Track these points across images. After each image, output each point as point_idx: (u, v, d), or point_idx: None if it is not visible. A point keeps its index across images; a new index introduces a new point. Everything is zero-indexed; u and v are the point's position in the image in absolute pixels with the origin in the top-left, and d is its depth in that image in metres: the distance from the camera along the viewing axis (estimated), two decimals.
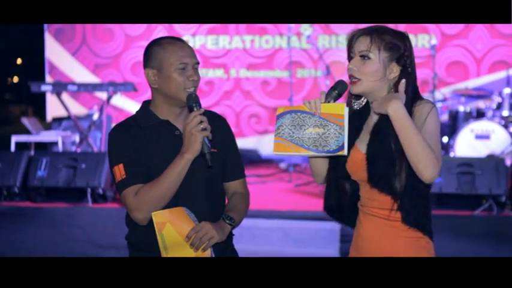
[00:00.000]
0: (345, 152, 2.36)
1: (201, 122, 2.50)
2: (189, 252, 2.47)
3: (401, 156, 2.32)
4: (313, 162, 2.54)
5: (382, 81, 2.40)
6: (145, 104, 2.72)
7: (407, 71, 2.41)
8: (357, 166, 2.43)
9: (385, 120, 2.35)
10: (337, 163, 2.48)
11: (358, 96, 2.48)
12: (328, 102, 2.40)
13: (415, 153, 2.24)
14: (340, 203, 2.52)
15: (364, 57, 2.39)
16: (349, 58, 2.45)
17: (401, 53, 2.40)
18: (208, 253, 2.49)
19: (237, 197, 2.73)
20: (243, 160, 2.83)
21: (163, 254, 2.48)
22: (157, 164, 2.56)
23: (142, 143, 2.61)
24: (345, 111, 2.37)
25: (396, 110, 2.26)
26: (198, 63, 2.64)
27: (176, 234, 2.46)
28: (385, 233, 2.42)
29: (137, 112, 2.71)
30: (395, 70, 2.41)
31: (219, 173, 2.70)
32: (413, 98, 2.38)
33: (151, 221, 2.50)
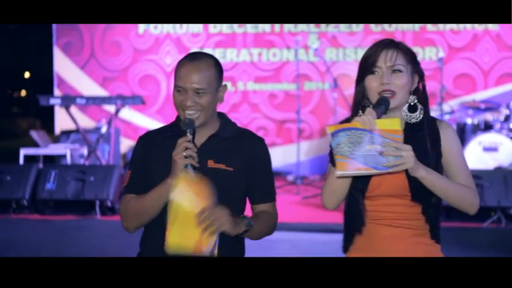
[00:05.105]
0: None
1: (186, 149, 2.48)
2: (194, 231, 2.42)
3: (438, 167, 2.39)
4: (339, 181, 2.39)
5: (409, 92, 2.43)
6: (178, 117, 2.68)
7: (423, 78, 2.46)
8: (384, 179, 2.37)
9: (412, 132, 2.39)
10: (361, 179, 2.40)
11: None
12: (379, 118, 2.32)
13: (455, 200, 2.44)
14: (361, 222, 2.47)
15: (396, 70, 2.38)
16: (367, 73, 2.40)
17: (418, 63, 2.45)
18: (212, 240, 2.42)
19: (264, 213, 2.72)
20: None
21: (171, 220, 2.43)
22: (160, 177, 2.54)
23: (157, 152, 2.63)
24: (401, 126, 2.31)
25: (424, 177, 2.31)
26: (200, 89, 2.57)
27: (191, 203, 2.43)
28: (410, 240, 2.44)
29: (171, 122, 2.73)
30: (416, 80, 2.44)
31: (232, 193, 2.62)
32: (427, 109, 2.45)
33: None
